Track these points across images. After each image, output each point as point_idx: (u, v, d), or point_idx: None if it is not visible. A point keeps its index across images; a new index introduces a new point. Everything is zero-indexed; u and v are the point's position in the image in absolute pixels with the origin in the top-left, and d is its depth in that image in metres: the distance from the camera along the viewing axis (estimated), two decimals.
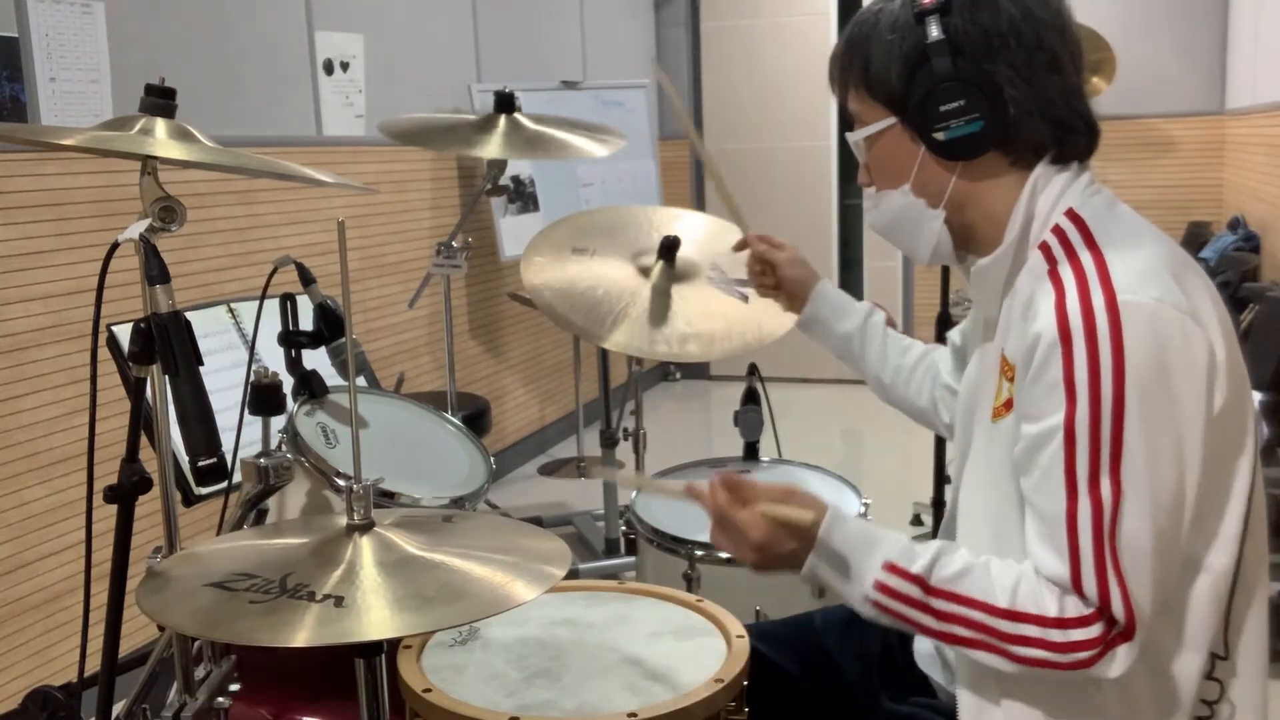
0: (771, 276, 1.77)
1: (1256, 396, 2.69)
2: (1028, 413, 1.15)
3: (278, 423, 1.65)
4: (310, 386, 1.80)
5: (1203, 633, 1.17)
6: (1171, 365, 1.09)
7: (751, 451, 2.29)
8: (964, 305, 4.85)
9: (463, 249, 3.30)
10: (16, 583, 2.60)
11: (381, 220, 3.93)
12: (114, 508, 1.27)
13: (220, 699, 1.40)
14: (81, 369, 2.73)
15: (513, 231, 4.48)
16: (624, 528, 2.07)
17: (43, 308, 2.64)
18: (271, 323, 1.72)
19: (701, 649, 1.42)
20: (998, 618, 1.13)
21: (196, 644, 1.42)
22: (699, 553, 1.90)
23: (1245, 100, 5.01)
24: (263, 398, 1.59)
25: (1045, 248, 1.20)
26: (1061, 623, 1.11)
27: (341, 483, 1.67)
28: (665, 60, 6.23)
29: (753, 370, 2.42)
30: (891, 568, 1.16)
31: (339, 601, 1.05)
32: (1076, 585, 1.10)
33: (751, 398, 2.29)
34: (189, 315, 1.23)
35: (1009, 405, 1.20)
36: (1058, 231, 1.20)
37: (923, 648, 1.48)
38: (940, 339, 2.92)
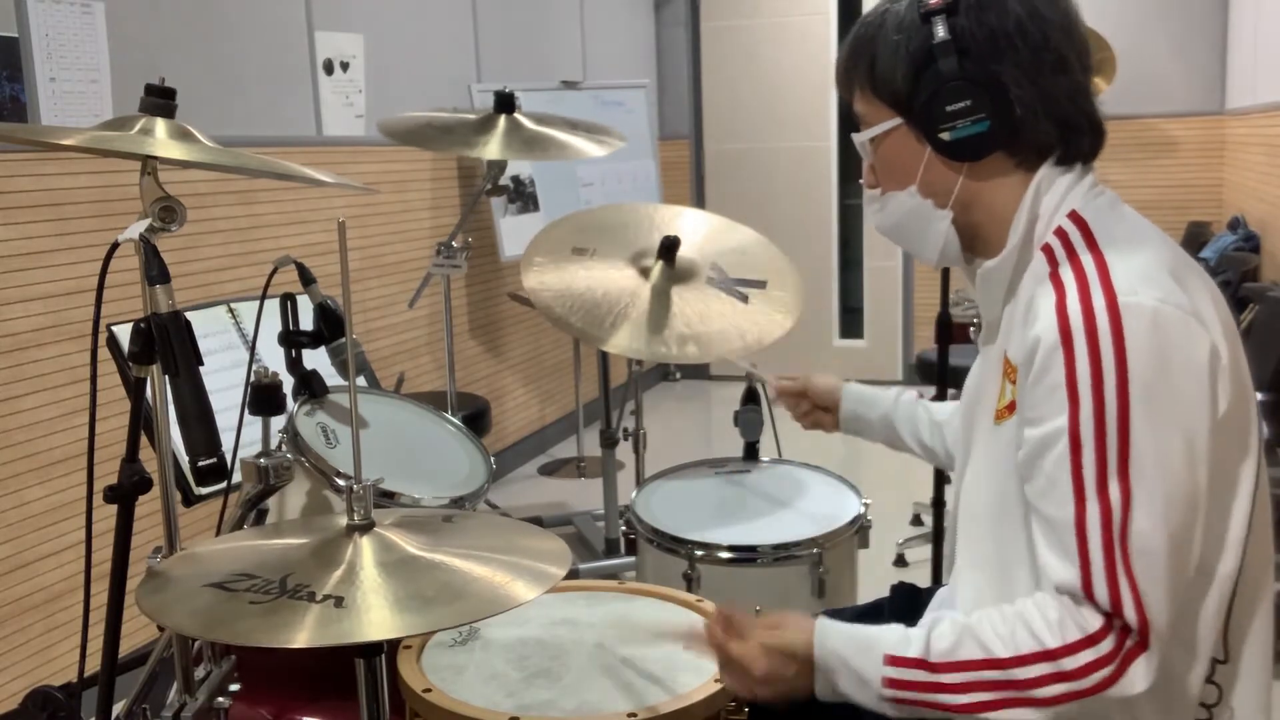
0: (808, 403, 1.83)
1: (1257, 397, 2.69)
2: (1030, 416, 1.14)
3: (278, 423, 1.65)
4: (310, 386, 1.80)
5: (1205, 637, 1.17)
6: (1174, 364, 1.08)
7: (751, 451, 2.29)
8: (964, 305, 4.85)
9: (463, 249, 3.30)
10: (16, 583, 2.60)
11: (381, 220, 3.93)
12: (114, 508, 1.27)
13: (220, 699, 1.40)
14: (81, 369, 2.73)
15: (513, 231, 4.47)
16: (624, 528, 2.06)
17: (43, 308, 2.64)
18: (271, 323, 1.72)
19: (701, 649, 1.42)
20: (1007, 668, 1.11)
21: (196, 644, 1.42)
22: (699, 553, 1.90)
23: (1245, 100, 5.01)
24: (263, 398, 1.59)
25: (1048, 249, 1.20)
26: (1068, 649, 1.09)
27: (341, 483, 1.67)
28: (665, 60, 6.23)
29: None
30: (892, 659, 1.15)
31: (339, 602, 1.05)
32: (1088, 591, 1.08)
33: (751, 398, 2.29)
34: (189, 315, 1.23)
35: (1011, 408, 1.20)
36: (1060, 233, 1.20)
37: None
38: (940, 339, 2.92)
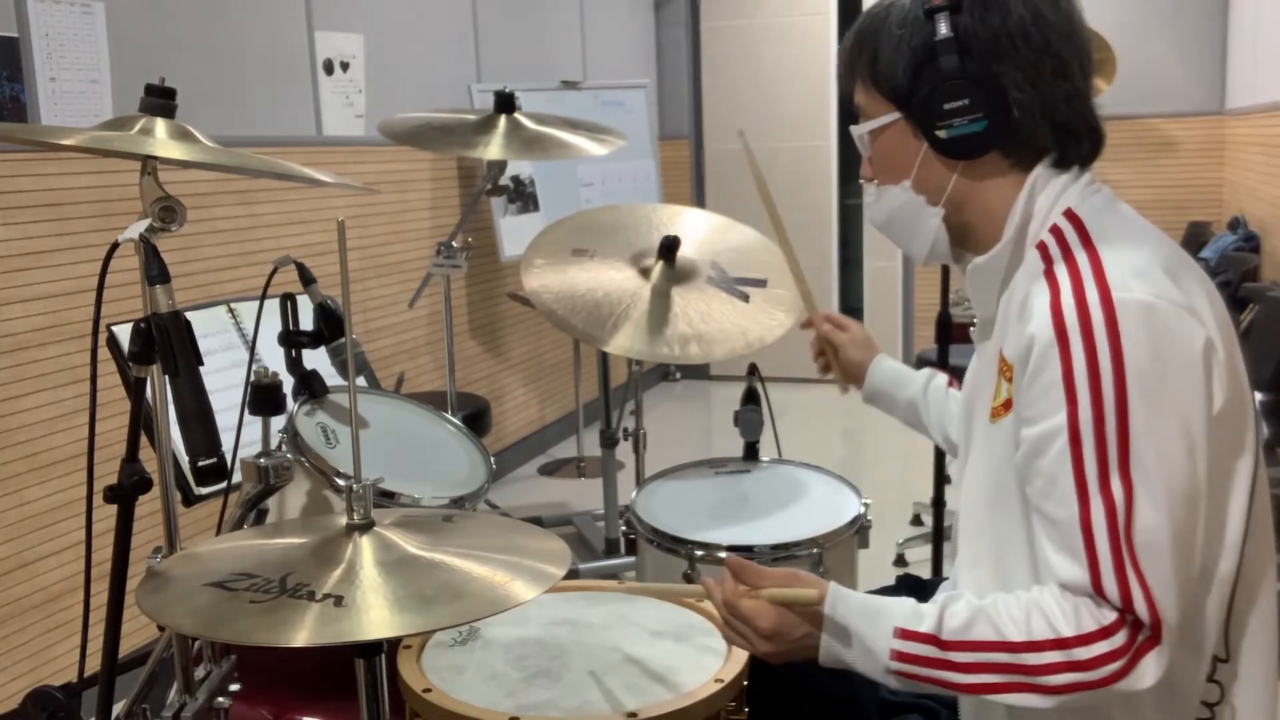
0: (831, 356, 1.81)
1: (1257, 396, 2.69)
2: (1027, 415, 1.14)
3: (278, 423, 1.65)
4: (310, 386, 1.80)
5: (1206, 636, 1.17)
6: (1170, 358, 1.08)
7: (751, 451, 2.29)
8: (964, 305, 4.85)
9: (463, 249, 3.30)
10: (16, 583, 2.60)
11: (381, 220, 3.93)
12: (114, 508, 1.27)
13: (220, 699, 1.40)
14: (81, 369, 2.73)
15: (513, 231, 4.48)
16: (624, 528, 2.06)
17: (43, 308, 2.64)
18: (271, 323, 1.72)
19: (701, 649, 1.42)
20: (1019, 652, 1.10)
21: (196, 644, 1.42)
22: (699, 553, 1.90)
23: (1245, 100, 5.01)
24: (263, 398, 1.59)
25: (1042, 247, 1.19)
26: (1082, 639, 1.08)
27: (341, 483, 1.67)
28: (665, 60, 6.23)
29: (753, 370, 2.41)
30: (903, 633, 1.15)
31: (339, 601, 1.05)
32: (1098, 588, 1.08)
33: (751, 398, 2.29)
34: (189, 315, 1.23)
35: (1008, 405, 1.20)
36: (1055, 231, 1.20)
37: None
38: (940, 338, 2.92)
